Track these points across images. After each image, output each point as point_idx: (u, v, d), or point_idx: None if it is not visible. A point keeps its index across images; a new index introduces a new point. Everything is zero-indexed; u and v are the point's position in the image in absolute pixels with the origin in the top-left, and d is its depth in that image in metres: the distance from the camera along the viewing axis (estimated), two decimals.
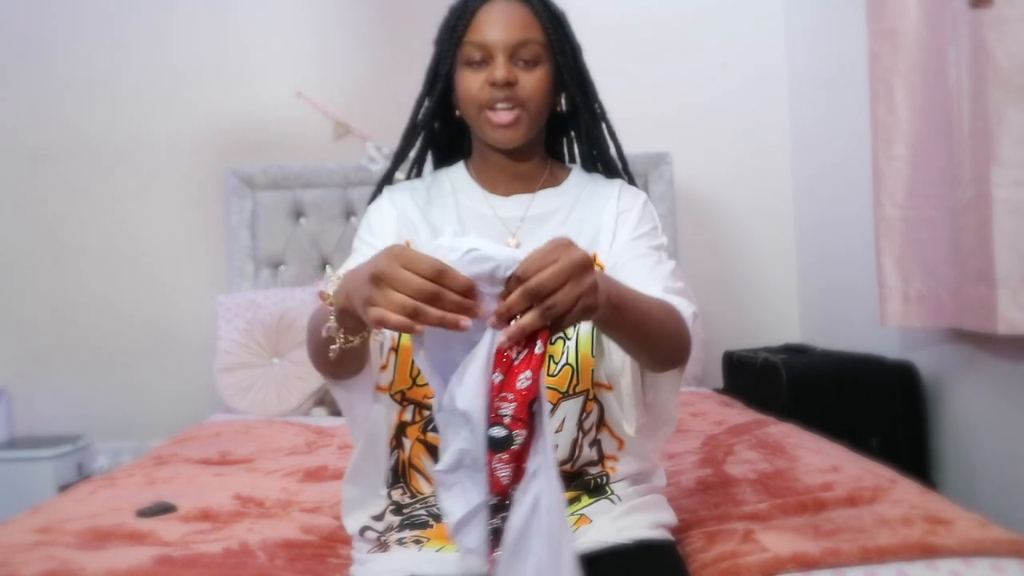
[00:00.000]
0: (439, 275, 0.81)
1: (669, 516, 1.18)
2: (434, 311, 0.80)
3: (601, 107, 1.26)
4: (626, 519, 1.11)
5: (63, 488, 2.43)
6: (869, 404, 2.26)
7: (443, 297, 0.80)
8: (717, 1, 3.06)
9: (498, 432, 0.82)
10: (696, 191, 3.01)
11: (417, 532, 1.09)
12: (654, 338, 1.02)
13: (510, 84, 1.14)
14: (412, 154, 1.29)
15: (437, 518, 1.10)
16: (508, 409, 0.82)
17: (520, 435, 0.82)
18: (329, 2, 3.01)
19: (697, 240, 3.00)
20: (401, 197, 1.24)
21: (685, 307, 1.09)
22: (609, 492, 1.15)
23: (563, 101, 1.23)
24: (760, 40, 3.06)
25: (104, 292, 2.94)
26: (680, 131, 2.98)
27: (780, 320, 3.04)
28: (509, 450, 0.82)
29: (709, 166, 3.02)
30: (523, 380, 0.82)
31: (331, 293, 0.94)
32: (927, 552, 1.14)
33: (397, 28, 2.99)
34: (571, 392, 1.12)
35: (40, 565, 1.19)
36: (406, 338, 1.08)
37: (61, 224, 2.96)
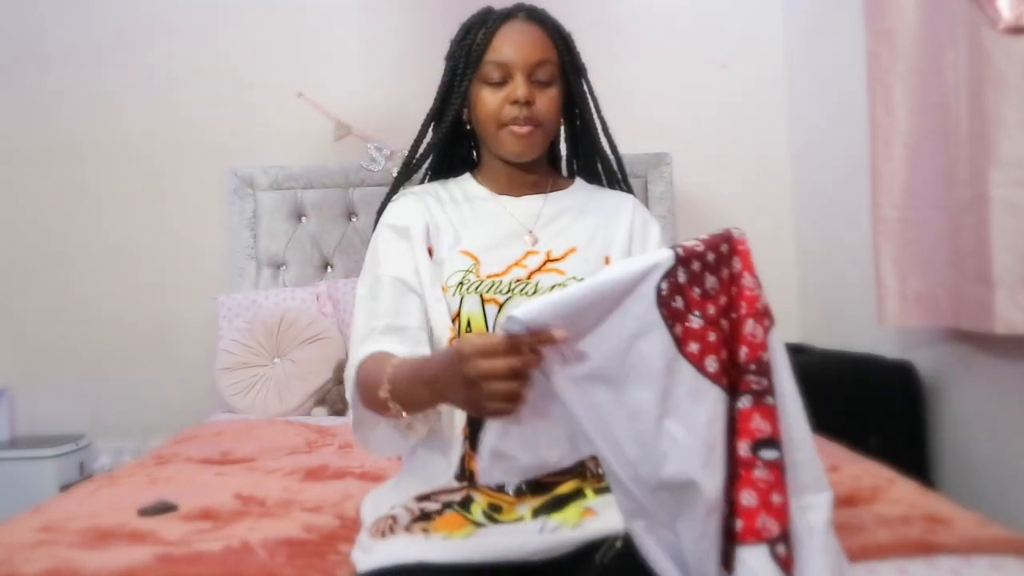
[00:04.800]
0: (512, 347, 0.86)
1: None
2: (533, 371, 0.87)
3: (604, 123, 1.32)
4: None
5: (65, 487, 2.44)
6: (868, 404, 2.26)
7: (529, 360, 0.86)
8: (717, 2, 3.07)
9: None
10: (695, 191, 3.02)
11: (423, 522, 1.09)
12: None
13: (529, 103, 1.19)
14: (424, 166, 1.34)
15: (449, 506, 1.11)
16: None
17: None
18: (329, 3, 3.02)
19: None
20: (423, 199, 1.27)
21: None
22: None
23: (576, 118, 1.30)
24: (759, 41, 3.07)
25: (105, 292, 2.95)
26: (680, 132, 2.99)
27: (779, 320, 3.01)
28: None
29: (708, 167, 3.02)
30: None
31: (389, 398, 1.04)
32: (927, 550, 1.14)
33: (398, 29, 3.00)
34: None
35: (42, 564, 1.19)
36: None
37: (62, 224, 2.96)
